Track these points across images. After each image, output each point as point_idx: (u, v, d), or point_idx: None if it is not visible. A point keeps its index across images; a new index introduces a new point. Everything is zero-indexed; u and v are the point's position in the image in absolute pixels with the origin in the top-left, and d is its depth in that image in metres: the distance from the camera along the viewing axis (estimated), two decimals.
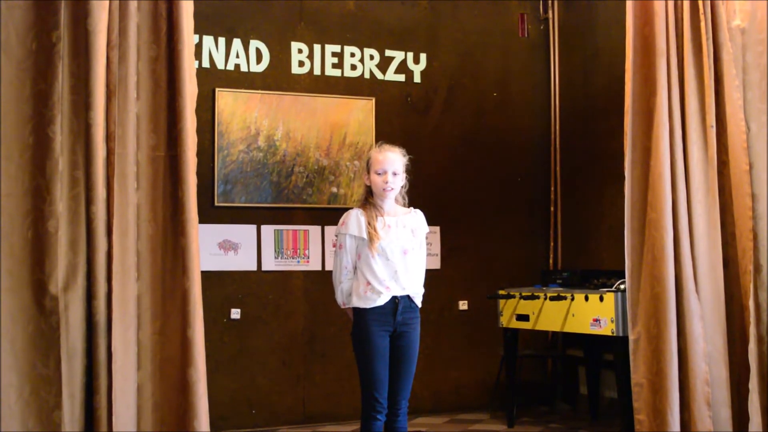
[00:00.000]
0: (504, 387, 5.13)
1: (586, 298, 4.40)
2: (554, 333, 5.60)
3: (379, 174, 3.31)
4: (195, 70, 3.39)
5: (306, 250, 5.24)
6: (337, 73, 5.39)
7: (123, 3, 3.16)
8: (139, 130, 3.21)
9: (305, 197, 5.25)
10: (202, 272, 3.45)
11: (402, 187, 3.40)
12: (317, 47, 5.35)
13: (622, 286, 4.25)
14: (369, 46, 5.47)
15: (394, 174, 3.32)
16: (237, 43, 5.17)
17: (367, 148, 5.22)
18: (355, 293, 3.31)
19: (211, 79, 5.06)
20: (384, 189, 3.31)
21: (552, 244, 5.81)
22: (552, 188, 5.85)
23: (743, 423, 3.79)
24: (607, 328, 4.25)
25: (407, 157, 3.42)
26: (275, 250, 5.18)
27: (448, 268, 5.56)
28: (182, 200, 3.19)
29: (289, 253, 5.21)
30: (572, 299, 4.50)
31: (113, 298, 3.03)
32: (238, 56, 5.16)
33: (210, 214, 4.99)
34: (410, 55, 5.58)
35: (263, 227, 5.17)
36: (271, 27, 5.25)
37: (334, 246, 3.40)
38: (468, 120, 5.71)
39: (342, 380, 5.18)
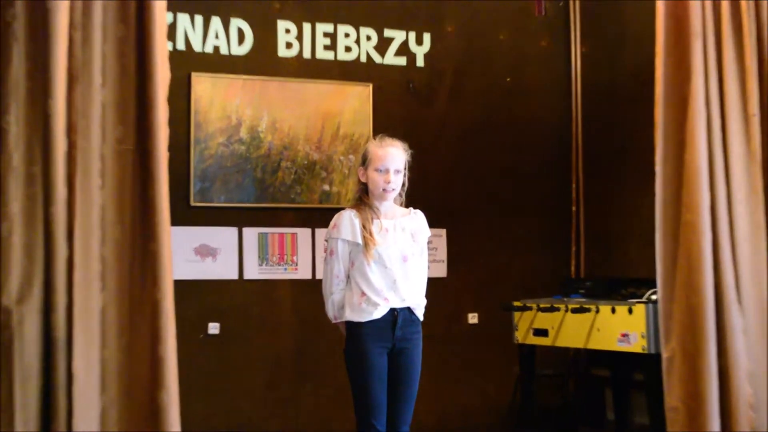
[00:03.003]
0: (519, 411, 5.12)
1: (613, 311, 4.39)
2: (577, 350, 5.58)
3: (380, 172, 3.30)
4: (168, 53, 3.38)
5: (294, 256, 5.23)
6: (329, 55, 5.39)
7: None
8: (105, 120, 3.21)
9: (293, 196, 5.25)
10: (176, 281, 3.43)
11: (402, 185, 3.39)
12: (307, 26, 5.34)
13: (653, 297, 4.25)
14: (365, 25, 5.47)
15: (396, 172, 3.32)
16: (216, 22, 5.16)
17: (364, 141, 5.22)
18: (348, 305, 3.30)
19: (187, 63, 5.06)
20: (385, 189, 3.30)
21: (574, 248, 5.80)
22: (573, 186, 5.85)
23: None
24: (636, 345, 4.24)
25: (409, 152, 3.41)
26: (259, 256, 5.17)
27: (456, 276, 5.55)
28: (153, 200, 3.19)
29: (274, 259, 5.20)
30: (597, 312, 4.49)
31: (74, 311, 3.02)
32: (217, 37, 5.16)
33: (185, 215, 4.99)
34: (412, 35, 5.58)
35: (245, 230, 5.16)
36: (254, 4, 5.24)
37: (325, 252, 3.39)
38: (477, 109, 5.70)
39: (335, 404, 5.17)
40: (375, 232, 3.29)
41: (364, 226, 3.28)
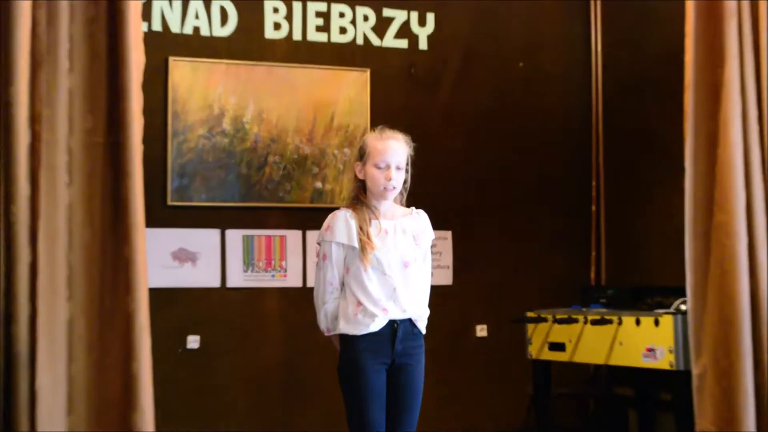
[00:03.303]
0: None
1: (638, 323, 4.39)
2: (597, 366, 5.59)
3: (380, 168, 3.30)
4: (142, 35, 3.37)
5: (283, 261, 5.23)
6: (322, 37, 5.38)
7: None
8: (72, 110, 3.21)
9: (282, 194, 5.24)
10: (152, 290, 3.43)
11: (403, 182, 3.38)
12: (297, 5, 5.34)
13: (683, 307, 4.25)
14: (362, 4, 5.46)
15: (398, 168, 3.31)
16: (196, 1, 5.15)
17: (361, 133, 5.21)
18: (342, 316, 3.30)
19: (164, 46, 5.05)
20: (385, 188, 3.30)
21: (594, 253, 5.80)
22: (593, 183, 5.85)
23: None
24: (664, 360, 4.24)
25: (412, 145, 3.41)
26: (244, 262, 5.16)
27: (463, 283, 5.55)
28: (126, 199, 3.19)
29: (261, 265, 5.19)
30: (620, 323, 4.49)
31: (38, 322, 3.02)
32: (197, 17, 5.15)
33: (162, 215, 4.98)
34: (414, 15, 5.57)
35: (228, 232, 5.16)
36: None
37: (317, 256, 3.39)
38: (487, 98, 5.70)
39: (328, 425, 5.16)
40: (373, 234, 3.28)
41: (361, 228, 3.27)
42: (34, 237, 3.08)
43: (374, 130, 3.41)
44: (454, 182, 5.58)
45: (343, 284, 3.33)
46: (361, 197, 3.36)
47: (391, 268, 3.28)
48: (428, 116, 5.54)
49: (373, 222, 3.31)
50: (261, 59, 5.26)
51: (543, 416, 5.02)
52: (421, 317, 3.36)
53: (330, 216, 3.36)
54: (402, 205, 3.44)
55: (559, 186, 5.82)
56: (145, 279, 3.19)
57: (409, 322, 3.32)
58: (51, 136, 3.14)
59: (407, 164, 3.37)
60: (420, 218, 3.42)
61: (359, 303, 3.27)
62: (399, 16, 5.54)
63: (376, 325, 3.25)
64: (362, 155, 3.35)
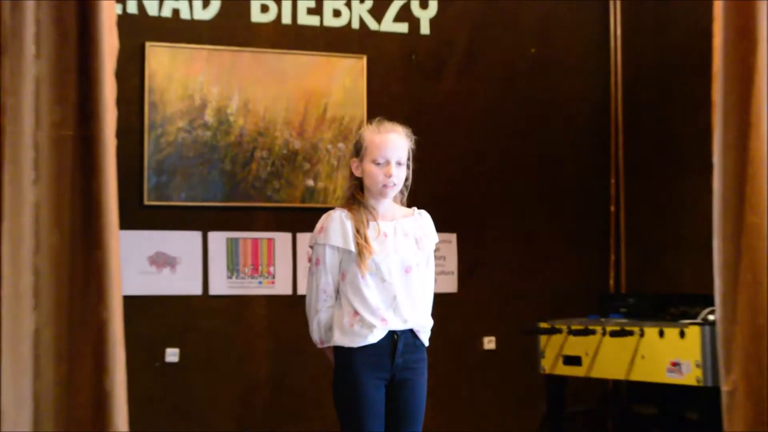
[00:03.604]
0: None
1: (661, 334, 4.39)
2: (616, 382, 5.59)
3: (379, 164, 3.30)
4: (116, 18, 3.37)
5: (270, 266, 5.23)
6: (314, 21, 5.38)
7: None
8: (39, 100, 3.22)
9: (270, 193, 5.24)
10: (126, 298, 3.43)
11: (404, 180, 3.38)
12: None
13: (711, 317, 4.25)
14: None
15: (398, 164, 3.31)
16: None
17: (356, 125, 5.22)
18: (337, 326, 3.30)
19: (140, 30, 5.05)
20: (385, 185, 3.30)
21: (613, 257, 5.81)
22: (612, 181, 5.85)
23: None
24: (690, 376, 4.24)
25: (413, 139, 3.41)
26: (228, 267, 5.16)
27: (469, 291, 5.56)
28: (98, 198, 3.19)
29: (247, 270, 5.19)
30: (641, 335, 4.49)
31: (1, 333, 3.02)
32: None
33: (137, 216, 4.98)
34: None
35: (211, 235, 5.16)
36: None
37: (309, 261, 3.39)
38: (495, 87, 5.70)
39: None
40: (371, 237, 3.28)
41: (357, 230, 3.26)
42: None
43: (371, 123, 3.40)
44: (458, 180, 5.58)
45: (337, 292, 3.33)
46: (357, 196, 3.36)
47: (391, 274, 3.28)
48: (430, 107, 5.54)
49: (371, 224, 3.31)
50: (247, 45, 5.26)
51: None
52: (423, 328, 3.36)
53: (323, 217, 3.35)
54: (402, 204, 3.43)
55: (575, 184, 5.82)
56: (119, 286, 3.19)
57: (411, 334, 3.31)
58: (15, 128, 3.14)
59: (408, 159, 3.36)
60: (422, 219, 3.41)
61: (356, 312, 3.26)
62: None
63: (375, 337, 3.25)
64: (359, 150, 3.35)
